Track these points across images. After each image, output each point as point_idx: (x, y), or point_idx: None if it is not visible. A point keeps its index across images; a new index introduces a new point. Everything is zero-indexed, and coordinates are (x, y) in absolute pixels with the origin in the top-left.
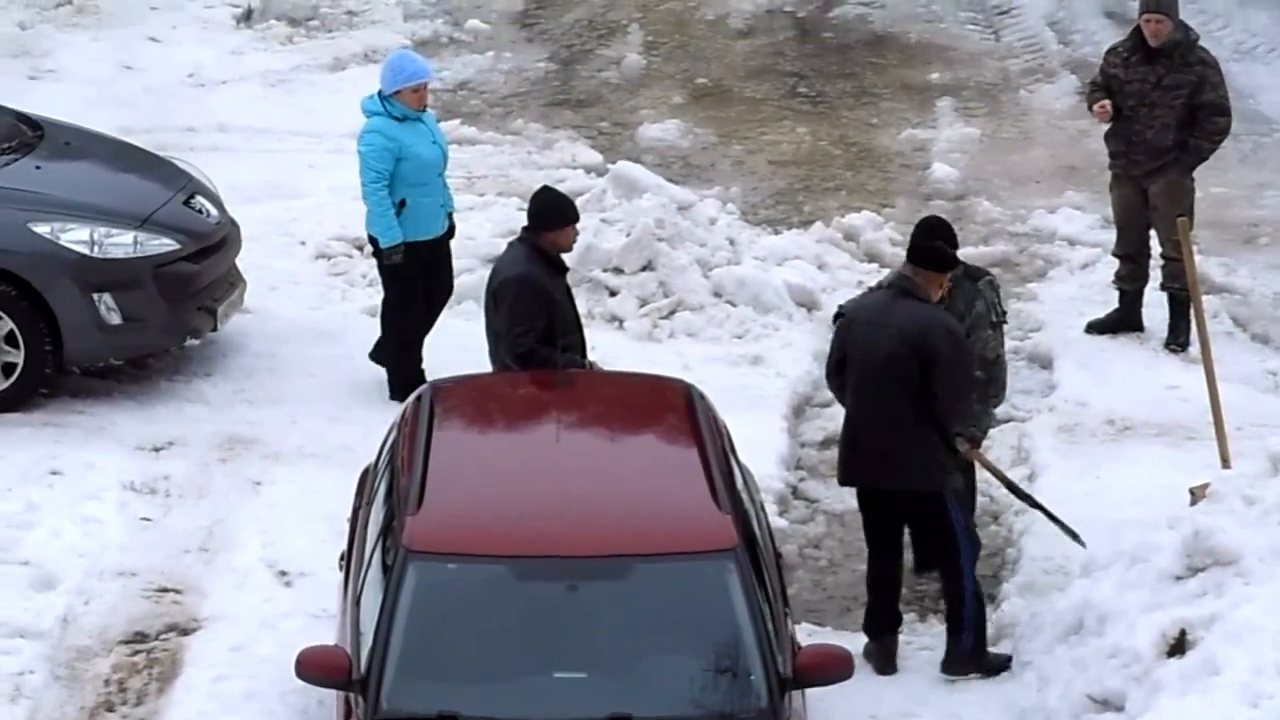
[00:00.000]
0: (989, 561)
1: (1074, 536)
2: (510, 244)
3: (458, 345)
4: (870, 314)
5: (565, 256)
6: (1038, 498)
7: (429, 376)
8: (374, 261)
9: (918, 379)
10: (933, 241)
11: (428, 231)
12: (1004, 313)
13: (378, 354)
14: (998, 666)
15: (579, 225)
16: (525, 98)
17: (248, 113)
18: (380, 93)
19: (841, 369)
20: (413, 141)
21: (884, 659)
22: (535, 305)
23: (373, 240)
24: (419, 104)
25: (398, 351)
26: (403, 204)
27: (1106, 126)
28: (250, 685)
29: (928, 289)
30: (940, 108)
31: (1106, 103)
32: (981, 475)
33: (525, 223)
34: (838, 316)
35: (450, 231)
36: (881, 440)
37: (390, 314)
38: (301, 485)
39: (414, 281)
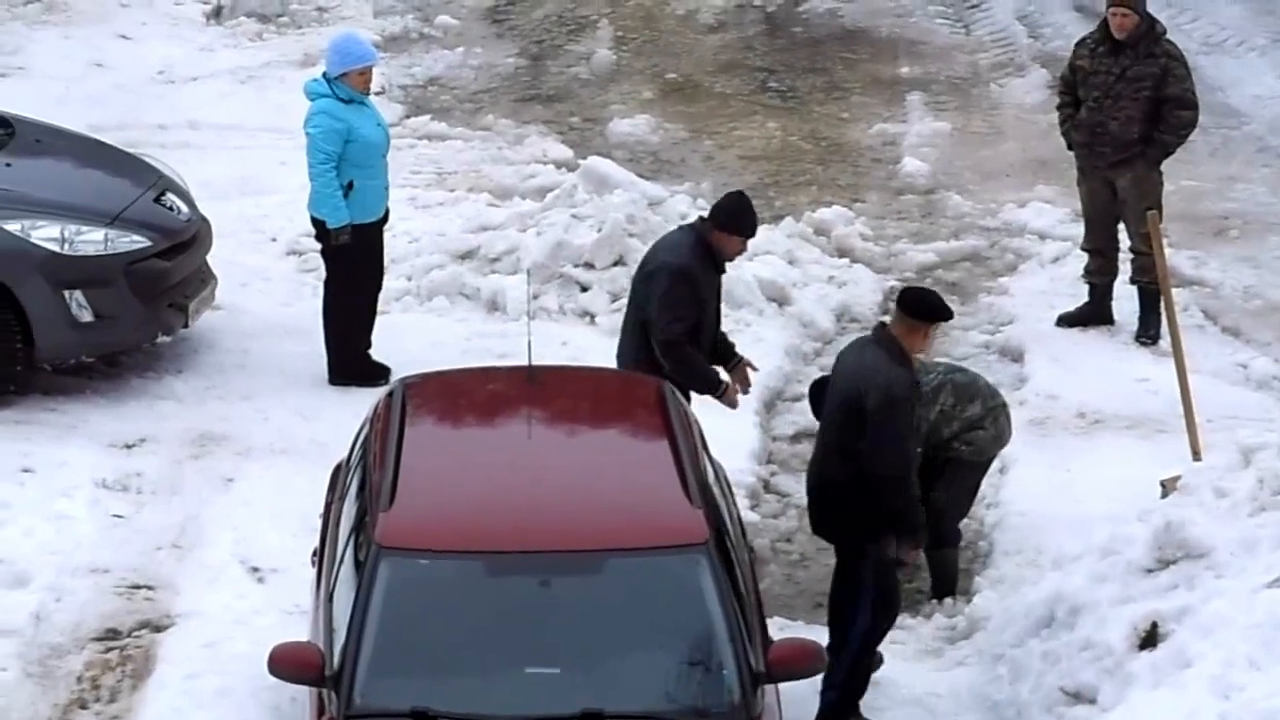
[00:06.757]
0: (961, 554)
1: None
2: (680, 228)
3: (431, 341)
4: None
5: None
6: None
7: (398, 373)
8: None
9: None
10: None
11: (372, 214)
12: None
13: (336, 378)
14: None
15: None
16: (495, 93)
17: (218, 109)
18: (325, 75)
19: None
20: (360, 124)
21: None
22: (688, 297)
23: (317, 223)
24: (364, 87)
25: (343, 335)
26: (350, 186)
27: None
28: (223, 682)
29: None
30: (910, 102)
31: None
32: None
33: (702, 212)
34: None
35: (385, 216)
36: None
37: (337, 297)
38: (273, 481)
39: (360, 264)
